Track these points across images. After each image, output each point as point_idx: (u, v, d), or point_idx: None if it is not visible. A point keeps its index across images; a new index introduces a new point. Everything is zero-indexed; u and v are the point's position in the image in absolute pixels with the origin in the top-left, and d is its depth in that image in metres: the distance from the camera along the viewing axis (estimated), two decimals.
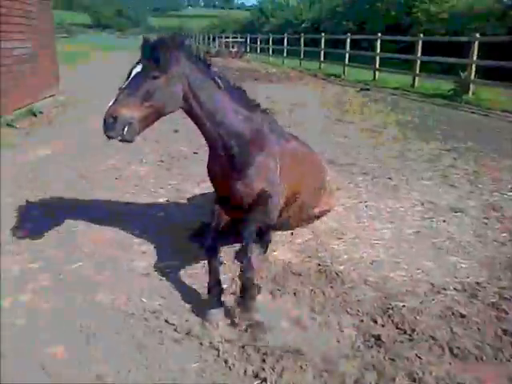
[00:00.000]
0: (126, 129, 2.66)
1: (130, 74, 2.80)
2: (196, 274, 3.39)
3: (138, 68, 2.79)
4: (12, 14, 8.95)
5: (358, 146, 7.27)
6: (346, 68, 18.79)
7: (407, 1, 25.85)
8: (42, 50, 10.65)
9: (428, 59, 14.10)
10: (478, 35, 11.92)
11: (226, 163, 3.15)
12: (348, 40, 18.73)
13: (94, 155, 6.61)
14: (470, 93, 12.12)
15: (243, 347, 2.60)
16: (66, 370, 2.43)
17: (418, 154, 6.75)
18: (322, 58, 21.30)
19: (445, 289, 3.22)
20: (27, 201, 4.68)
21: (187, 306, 3.01)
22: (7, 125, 8.20)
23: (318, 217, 4.21)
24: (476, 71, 12.15)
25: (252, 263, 2.89)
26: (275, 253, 3.72)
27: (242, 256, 2.91)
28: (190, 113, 3.06)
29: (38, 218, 4.30)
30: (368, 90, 14.38)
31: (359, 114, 10.12)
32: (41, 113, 9.52)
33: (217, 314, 2.87)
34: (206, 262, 3.17)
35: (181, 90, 2.90)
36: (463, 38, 13.89)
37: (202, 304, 2.99)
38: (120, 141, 2.72)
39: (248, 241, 2.93)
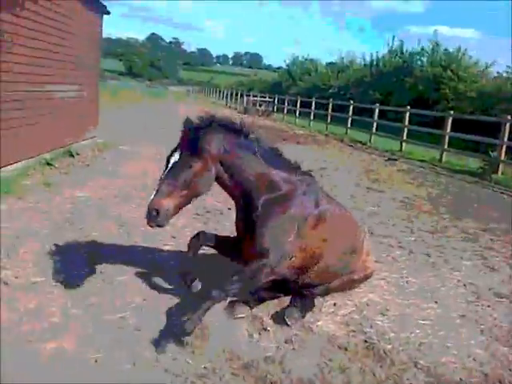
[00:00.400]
0: (165, 217, 2.99)
1: (169, 161, 3.08)
2: (243, 336, 3.31)
3: (176, 156, 3.07)
4: (64, 59, 9.43)
5: (391, 216, 7.25)
6: (373, 136, 19.12)
7: (436, 77, 26.63)
8: (87, 91, 11.10)
9: (457, 136, 14.29)
10: (509, 117, 12.10)
11: (244, 222, 3.45)
12: (377, 110, 19.18)
13: (131, 201, 6.69)
14: (500, 172, 12.15)
15: None
16: None
17: (454, 232, 6.68)
18: (349, 125, 21.74)
19: (500, 382, 3.08)
20: (67, 244, 4.72)
21: (233, 370, 2.92)
22: (47, 163, 8.42)
23: (359, 281, 4.11)
24: (505, 151, 12.25)
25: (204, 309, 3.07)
26: (319, 323, 3.63)
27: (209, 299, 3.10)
28: (218, 181, 3.33)
29: (79, 263, 4.31)
30: (395, 159, 14.52)
31: (389, 184, 10.16)
32: (78, 154, 9.78)
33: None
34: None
35: (214, 172, 3.20)
36: (493, 119, 14.12)
37: (246, 369, 2.91)
38: (157, 226, 3.06)
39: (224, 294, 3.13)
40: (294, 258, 3.46)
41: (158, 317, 3.50)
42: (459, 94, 23.33)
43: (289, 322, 3.48)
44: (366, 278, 4.19)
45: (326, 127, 24.16)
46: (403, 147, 16.90)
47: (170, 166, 3.07)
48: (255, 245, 3.32)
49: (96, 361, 2.89)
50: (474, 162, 14.34)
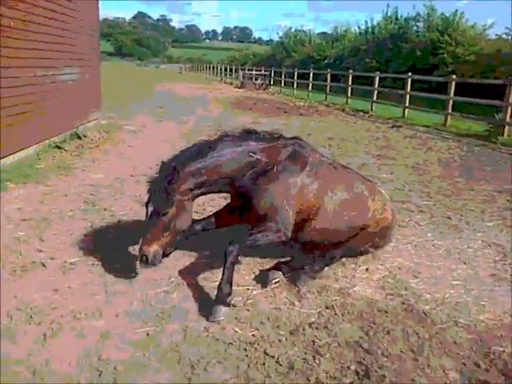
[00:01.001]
0: (154, 260, 3.29)
1: (147, 209, 3.35)
2: (284, 304, 3.38)
3: (151, 207, 3.32)
4: (66, 42, 9.27)
5: (407, 183, 7.27)
6: (374, 104, 19.00)
7: (433, 42, 26.28)
8: (88, 73, 10.95)
9: (461, 100, 14.20)
10: None
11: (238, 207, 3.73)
12: (377, 78, 19.01)
13: (144, 181, 6.69)
14: (505, 134, 12.14)
15: None
16: None
17: (470, 195, 6.72)
18: (349, 94, 21.57)
19: None
20: (95, 225, 4.76)
21: (281, 337, 2.99)
22: (56, 146, 8.37)
23: (379, 234, 4.04)
24: (511, 114, 12.20)
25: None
26: (355, 288, 3.70)
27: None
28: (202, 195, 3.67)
29: (110, 243, 4.35)
30: (400, 126, 14.48)
31: (398, 151, 10.15)
32: (85, 136, 9.71)
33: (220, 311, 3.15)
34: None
35: (191, 205, 3.48)
36: (498, 81, 14.03)
37: (293, 335, 2.98)
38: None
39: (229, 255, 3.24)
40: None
41: (199, 290, 3.56)
42: (458, 58, 23.08)
43: (300, 285, 3.62)
44: (387, 229, 4.11)
45: (326, 97, 23.96)
46: (406, 114, 16.83)
47: (149, 213, 3.32)
48: (253, 217, 3.52)
49: (148, 334, 2.95)
50: (478, 126, 14.32)
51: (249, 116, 16.10)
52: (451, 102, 14.34)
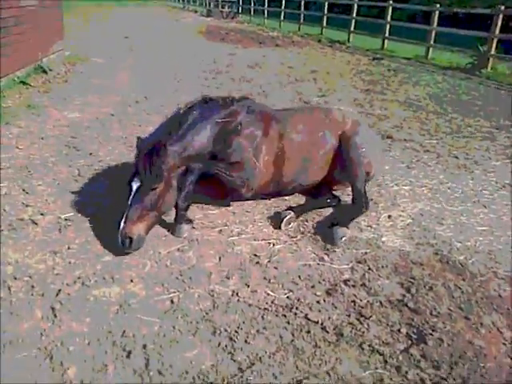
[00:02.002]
0: (138, 243, 2.98)
1: (131, 187, 3.09)
2: (313, 259, 3.09)
3: (137, 181, 3.09)
4: None
5: (403, 119, 6.96)
6: (351, 35, 18.24)
7: None
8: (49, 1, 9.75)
9: (447, 30, 13.66)
10: (502, 7, 11.55)
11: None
12: (355, 5, 18.09)
13: (131, 119, 6.12)
14: (489, 67, 11.88)
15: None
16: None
17: (470, 132, 6.49)
18: (324, 24, 20.56)
19: None
20: (82, 171, 4.26)
21: (318, 298, 2.72)
22: (21, 82, 7.52)
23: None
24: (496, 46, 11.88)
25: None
26: (384, 239, 3.44)
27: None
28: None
29: (102, 192, 3.88)
30: (381, 59, 13.96)
31: (386, 85, 9.75)
32: (51, 70, 8.78)
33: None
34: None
35: (176, 184, 3.31)
36: (486, 10, 13.52)
37: (331, 296, 2.72)
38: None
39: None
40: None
41: (217, 246, 3.21)
42: None
43: (339, 240, 3.35)
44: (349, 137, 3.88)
45: (299, 28, 22.84)
46: (385, 45, 16.25)
47: (133, 190, 3.08)
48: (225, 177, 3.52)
49: (172, 301, 2.61)
50: (459, 58, 13.99)
51: (223, 47, 15.16)
52: (434, 33, 13.82)
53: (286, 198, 4.04)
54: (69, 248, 3.05)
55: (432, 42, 13.98)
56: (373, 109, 7.57)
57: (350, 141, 3.79)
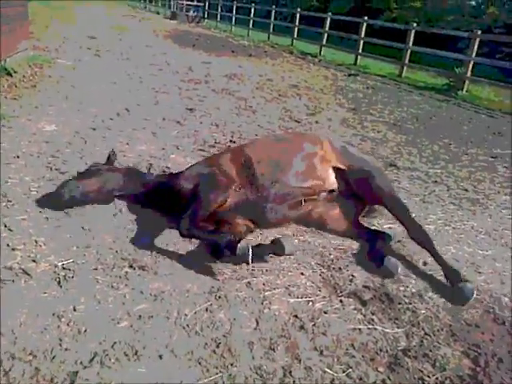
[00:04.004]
0: None
1: None
2: (359, 321, 2.69)
3: None
4: None
5: (399, 144, 6.76)
6: (323, 48, 18.19)
7: None
8: None
9: (423, 50, 13.80)
10: (479, 32, 11.75)
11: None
12: (328, 19, 18.06)
13: (116, 136, 5.54)
14: (465, 89, 12.05)
15: None
16: None
17: (468, 160, 6.37)
18: (295, 35, 20.43)
19: None
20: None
21: (382, 376, 2.32)
22: None
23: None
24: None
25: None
26: (429, 293, 3.10)
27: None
28: None
29: (104, 233, 3.33)
30: (356, 75, 13.92)
31: (370, 105, 9.60)
32: (15, 72, 7.97)
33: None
34: None
35: None
36: (463, 34, 13.77)
37: (395, 372, 2.33)
38: None
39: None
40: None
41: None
42: (403, 2, 22.58)
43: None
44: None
45: (268, 37, 22.64)
46: (358, 61, 16.28)
47: None
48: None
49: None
50: (432, 78, 14.20)
51: (196, 54, 14.64)
52: (409, 52, 13.93)
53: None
54: (74, 310, 2.49)
55: (407, 61, 14.07)
56: (366, 131, 7.34)
57: None
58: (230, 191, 3.28)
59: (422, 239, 3.27)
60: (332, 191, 3.57)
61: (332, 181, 3.56)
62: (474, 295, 2.94)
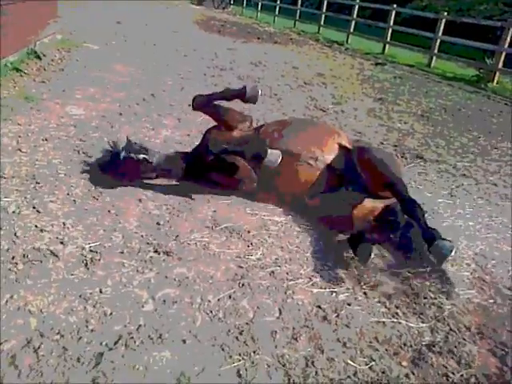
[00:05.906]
0: None
1: None
2: (383, 314, 2.66)
3: None
4: None
5: (427, 136, 6.61)
6: (350, 36, 17.86)
7: None
8: None
9: (453, 40, 13.38)
10: None
11: None
12: (356, 6, 17.70)
13: (140, 118, 5.58)
14: (495, 81, 11.69)
15: None
16: None
17: (497, 154, 6.18)
18: (322, 22, 20.11)
19: None
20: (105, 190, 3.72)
21: (406, 370, 2.30)
22: (15, 68, 6.81)
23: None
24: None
25: None
26: (455, 289, 3.05)
27: None
28: None
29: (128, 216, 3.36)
30: (384, 64, 13.64)
31: (397, 95, 9.40)
32: (44, 56, 8.07)
33: None
34: None
35: None
36: (495, 23, 13.33)
37: (418, 367, 2.30)
38: None
39: None
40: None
41: None
42: None
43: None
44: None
45: (295, 24, 22.33)
46: (386, 50, 15.94)
47: None
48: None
49: (239, 373, 2.14)
50: (462, 69, 13.83)
51: (221, 40, 14.57)
52: (438, 42, 13.56)
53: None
54: (101, 292, 2.53)
55: (436, 51, 13.70)
56: (392, 122, 7.20)
57: None
58: (243, 123, 4.11)
59: (414, 214, 3.21)
60: (334, 169, 3.60)
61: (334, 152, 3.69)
62: (453, 252, 2.97)
